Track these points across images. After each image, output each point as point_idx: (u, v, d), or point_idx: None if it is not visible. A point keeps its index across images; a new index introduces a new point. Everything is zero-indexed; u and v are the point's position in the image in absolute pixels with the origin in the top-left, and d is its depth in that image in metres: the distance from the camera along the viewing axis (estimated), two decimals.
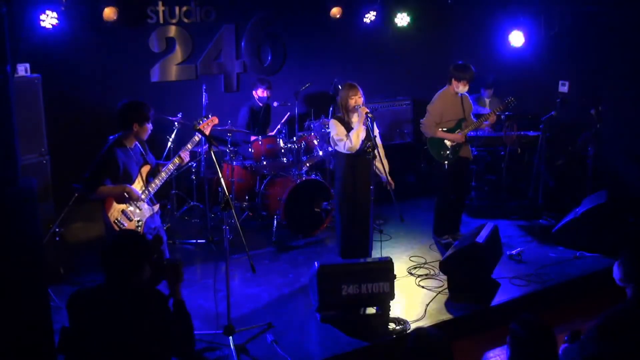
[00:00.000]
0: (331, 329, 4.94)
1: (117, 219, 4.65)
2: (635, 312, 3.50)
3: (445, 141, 6.40)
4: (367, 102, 5.81)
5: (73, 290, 3.38)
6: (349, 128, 5.60)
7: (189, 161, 5.15)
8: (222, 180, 4.47)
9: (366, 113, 5.43)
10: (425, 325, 4.98)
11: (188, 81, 7.69)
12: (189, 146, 4.98)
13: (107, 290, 3.24)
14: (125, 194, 4.65)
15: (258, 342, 4.76)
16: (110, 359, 3.16)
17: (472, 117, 6.54)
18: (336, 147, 5.69)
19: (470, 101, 6.60)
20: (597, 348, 3.46)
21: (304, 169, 7.04)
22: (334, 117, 5.74)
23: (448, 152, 6.41)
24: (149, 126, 4.78)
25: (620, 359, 3.44)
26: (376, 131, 5.49)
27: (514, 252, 6.29)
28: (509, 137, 7.60)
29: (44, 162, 5.78)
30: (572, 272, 6.01)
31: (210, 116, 5.16)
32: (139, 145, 4.86)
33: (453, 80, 6.32)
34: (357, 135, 5.51)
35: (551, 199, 7.51)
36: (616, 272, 3.68)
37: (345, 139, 5.54)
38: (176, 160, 4.90)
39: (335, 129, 5.61)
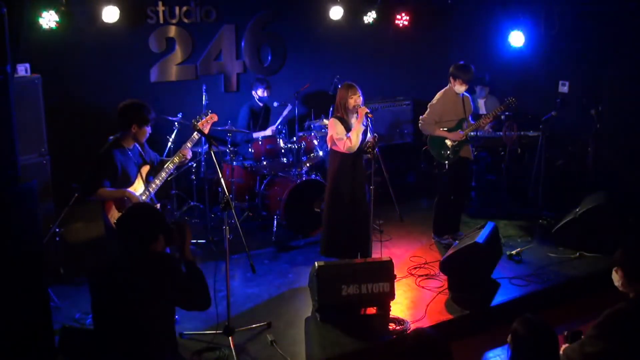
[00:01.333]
0: (331, 329, 4.94)
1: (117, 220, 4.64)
2: (636, 311, 3.50)
3: (446, 141, 6.40)
4: (367, 103, 5.81)
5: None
6: (348, 128, 5.60)
7: (190, 160, 5.13)
8: (222, 180, 4.46)
9: (366, 113, 5.44)
10: (425, 326, 4.98)
11: (188, 81, 7.69)
12: (189, 144, 4.96)
13: (124, 260, 3.38)
14: (126, 198, 4.65)
15: (258, 342, 4.76)
16: (132, 324, 3.28)
17: (470, 118, 6.54)
18: (334, 147, 5.69)
19: (471, 104, 6.59)
20: (598, 347, 3.46)
21: (304, 169, 7.04)
22: (333, 116, 5.73)
23: (448, 152, 6.41)
24: (148, 129, 4.74)
25: (621, 357, 3.44)
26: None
27: (513, 252, 6.29)
28: (509, 137, 7.60)
29: (44, 162, 5.78)
30: (572, 272, 6.01)
31: (209, 113, 5.13)
32: (137, 145, 4.84)
33: (451, 79, 6.32)
34: (357, 135, 5.51)
35: (551, 199, 7.50)
36: (615, 278, 3.66)
37: (344, 138, 5.54)
38: (179, 155, 4.87)
39: (335, 128, 5.60)
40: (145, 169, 4.86)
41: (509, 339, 3.11)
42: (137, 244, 3.34)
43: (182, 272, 3.45)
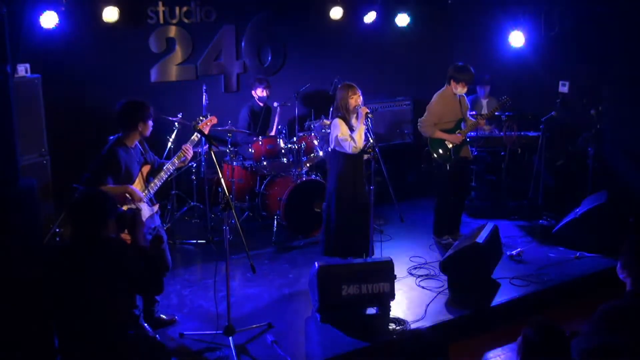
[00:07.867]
0: (331, 329, 4.94)
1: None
2: (632, 304, 3.50)
3: (446, 141, 6.40)
4: (366, 103, 5.81)
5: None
6: (350, 128, 5.60)
7: (190, 160, 5.15)
8: (222, 180, 4.47)
9: (366, 113, 5.44)
10: (425, 326, 4.98)
11: (188, 81, 7.69)
12: (189, 145, 4.99)
13: (74, 245, 3.46)
14: (127, 194, 4.65)
15: (258, 343, 4.76)
16: (84, 309, 3.36)
17: (469, 117, 6.54)
18: (337, 147, 5.67)
19: (467, 102, 6.59)
20: (594, 342, 3.45)
21: (304, 169, 7.04)
22: (337, 116, 5.71)
23: (449, 152, 6.41)
24: (151, 123, 4.82)
25: (616, 353, 3.43)
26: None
27: (514, 252, 6.29)
28: (509, 137, 7.60)
29: (44, 162, 5.79)
30: (572, 272, 6.01)
31: (209, 116, 5.16)
32: (139, 145, 4.87)
33: (452, 81, 6.31)
34: (360, 136, 5.52)
35: (551, 199, 7.50)
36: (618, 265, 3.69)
37: (349, 139, 5.53)
38: (179, 156, 4.91)
39: (340, 128, 5.58)
40: (146, 168, 4.89)
41: (518, 341, 3.05)
42: (86, 229, 3.40)
43: (132, 257, 3.51)
